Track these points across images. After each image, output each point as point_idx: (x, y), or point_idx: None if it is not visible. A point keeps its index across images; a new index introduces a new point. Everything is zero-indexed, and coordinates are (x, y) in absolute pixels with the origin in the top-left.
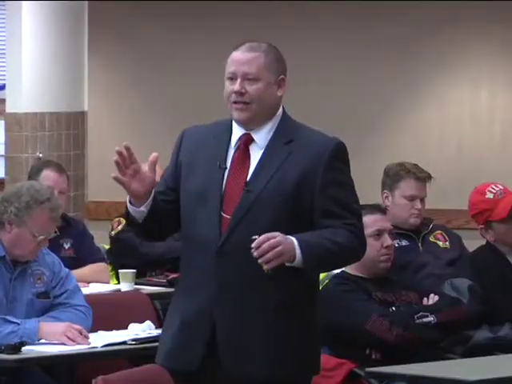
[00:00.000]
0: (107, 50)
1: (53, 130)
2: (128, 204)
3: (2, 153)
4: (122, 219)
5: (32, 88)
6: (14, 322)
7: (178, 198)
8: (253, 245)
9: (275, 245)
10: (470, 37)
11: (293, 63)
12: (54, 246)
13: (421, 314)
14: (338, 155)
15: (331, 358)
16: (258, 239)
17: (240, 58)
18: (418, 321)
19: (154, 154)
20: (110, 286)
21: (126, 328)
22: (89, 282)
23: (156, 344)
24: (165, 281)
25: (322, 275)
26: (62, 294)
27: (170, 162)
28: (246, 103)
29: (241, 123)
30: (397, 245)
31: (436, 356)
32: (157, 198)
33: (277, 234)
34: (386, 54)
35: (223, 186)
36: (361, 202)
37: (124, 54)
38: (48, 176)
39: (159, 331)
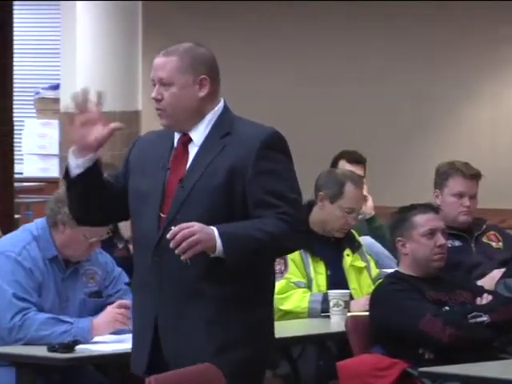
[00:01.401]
0: (161, 49)
1: None
2: (70, 153)
3: (57, 152)
4: None
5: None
6: (67, 322)
7: (125, 190)
8: (167, 236)
9: (189, 234)
10: None
11: (347, 63)
12: (108, 245)
13: (474, 313)
14: (271, 145)
15: (384, 357)
16: (173, 230)
17: (156, 63)
18: (471, 320)
19: (117, 123)
20: None
21: None
22: None
23: None
24: None
25: (374, 273)
26: (115, 293)
27: (122, 164)
28: (162, 110)
29: (166, 128)
30: (450, 245)
31: (489, 356)
32: (101, 169)
33: (193, 223)
34: (440, 54)
35: (164, 186)
36: (414, 203)
37: None
38: None
39: None
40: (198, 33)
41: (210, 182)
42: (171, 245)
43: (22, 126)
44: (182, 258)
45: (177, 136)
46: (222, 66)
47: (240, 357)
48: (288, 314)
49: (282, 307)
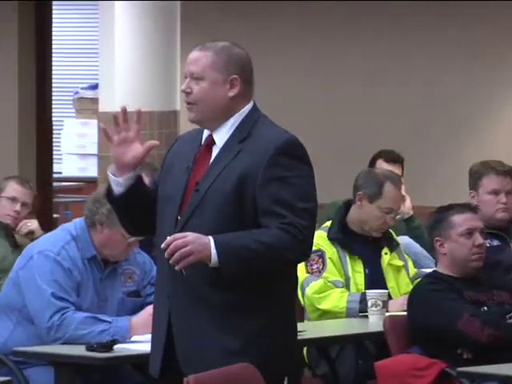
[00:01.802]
0: None
1: (145, 128)
2: (108, 172)
3: (95, 152)
4: None
5: (125, 87)
6: (106, 321)
7: None
8: (161, 246)
9: (181, 245)
10: None
11: (387, 63)
12: (146, 244)
13: None
14: (286, 151)
15: (422, 357)
16: (166, 240)
17: (190, 57)
18: (509, 321)
19: (154, 142)
20: None
21: None
22: None
23: None
24: None
25: (412, 273)
26: (153, 292)
27: (160, 166)
28: (191, 103)
29: (193, 123)
30: (488, 245)
31: None
32: (143, 182)
33: (187, 234)
34: (480, 53)
35: (185, 188)
36: (452, 203)
37: None
38: None
39: None
40: (236, 33)
41: (223, 186)
42: (165, 255)
43: (61, 125)
44: (176, 268)
45: (204, 136)
46: (260, 66)
47: (250, 361)
48: (326, 314)
49: (319, 307)
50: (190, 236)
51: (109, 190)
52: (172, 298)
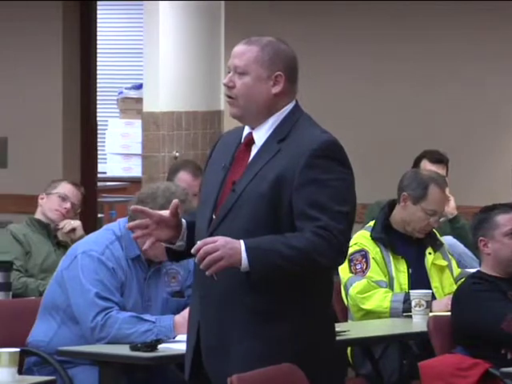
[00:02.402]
0: None
1: (189, 128)
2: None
3: (139, 152)
4: None
5: (169, 87)
6: (150, 321)
7: None
8: (191, 251)
9: (211, 250)
10: None
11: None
12: None
13: None
14: (323, 153)
15: (466, 357)
16: (196, 244)
17: (235, 50)
18: None
19: (175, 201)
20: None
21: None
22: None
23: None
24: None
25: (456, 273)
26: None
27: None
28: (233, 98)
29: (233, 118)
30: None
31: None
32: (190, 221)
33: (217, 238)
34: None
35: (220, 187)
36: (497, 203)
37: None
38: (183, 178)
39: None
40: (282, 33)
41: (258, 187)
42: (195, 260)
43: (106, 125)
44: (207, 273)
45: (245, 134)
46: (307, 66)
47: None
48: (369, 314)
49: (363, 307)
50: (221, 240)
51: (172, 254)
52: (203, 298)
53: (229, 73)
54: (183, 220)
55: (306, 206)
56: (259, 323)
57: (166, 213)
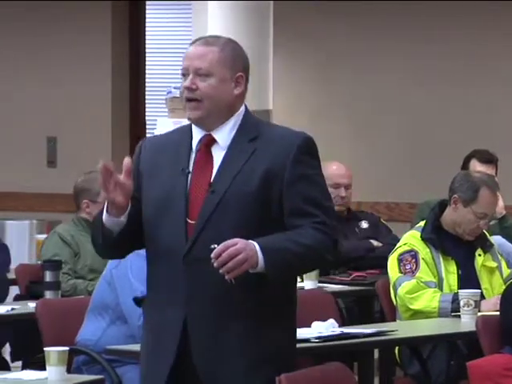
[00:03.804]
0: (292, 48)
1: None
2: (104, 216)
3: None
4: None
5: None
6: None
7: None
8: (212, 255)
9: (235, 253)
10: None
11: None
12: None
13: None
14: (308, 150)
15: None
16: (217, 248)
17: (193, 52)
18: None
19: (127, 160)
20: None
21: (310, 326)
22: None
23: (340, 342)
24: (348, 279)
25: (505, 273)
26: None
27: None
28: (197, 100)
29: (194, 122)
30: None
31: None
32: (132, 218)
33: (236, 240)
34: None
35: (187, 191)
36: None
37: (308, 52)
38: None
39: (343, 329)
40: (331, 33)
41: (244, 187)
42: (215, 264)
43: (155, 125)
44: (227, 277)
45: (196, 137)
46: (355, 65)
47: (270, 375)
48: (418, 314)
49: (411, 307)
50: (240, 242)
51: (105, 235)
52: (186, 306)
53: (183, 75)
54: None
55: (301, 202)
56: (257, 328)
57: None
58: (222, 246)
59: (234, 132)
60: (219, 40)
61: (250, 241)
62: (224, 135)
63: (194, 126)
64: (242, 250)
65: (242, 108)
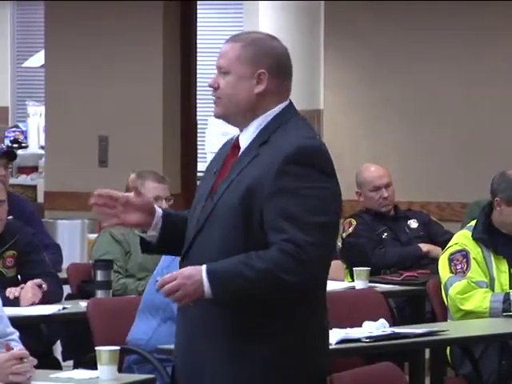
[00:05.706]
0: (343, 48)
1: None
2: (137, 234)
3: None
4: (352, 220)
5: None
6: None
7: None
8: (156, 287)
9: (172, 290)
10: None
11: None
12: None
13: None
14: (297, 159)
15: None
16: (158, 283)
17: (221, 49)
18: None
19: (132, 176)
20: (345, 284)
21: (361, 326)
22: None
23: (390, 342)
24: (399, 279)
25: None
26: None
27: None
28: (219, 98)
29: (217, 118)
30: None
31: None
32: (168, 213)
33: (177, 274)
34: None
35: (209, 194)
36: None
37: (359, 52)
38: None
39: (394, 329)
40: (383, 33)
41: (232, 196)
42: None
43: (206, 124)
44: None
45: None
46: (407, 65)
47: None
48: (469, 314)
49: (462, 307)
50: (180, 278)
51: (145, 246)
52: (178, 326)
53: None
54: (159, 209)
55: (274, 216)
56: (241, 346)
57: (132, 194)
58: (161, 280)
59: (255, 134)
60: (248, 36)
61: (199, 267)
62: (246, 137)
63: None
64: (180, 287)
65: (276, 108)
